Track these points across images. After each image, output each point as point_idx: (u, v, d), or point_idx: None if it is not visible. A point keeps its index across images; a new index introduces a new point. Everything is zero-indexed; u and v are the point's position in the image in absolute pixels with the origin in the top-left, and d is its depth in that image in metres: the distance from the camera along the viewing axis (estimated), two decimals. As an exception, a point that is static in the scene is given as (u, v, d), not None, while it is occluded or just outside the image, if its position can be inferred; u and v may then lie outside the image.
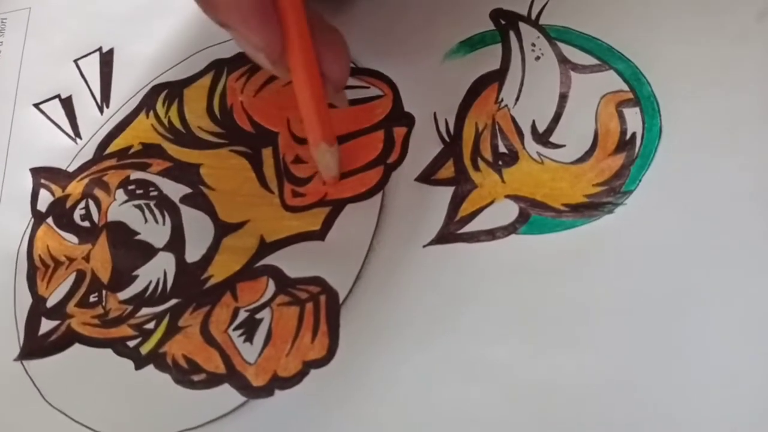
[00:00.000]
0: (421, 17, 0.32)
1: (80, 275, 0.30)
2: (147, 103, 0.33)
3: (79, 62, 0.34)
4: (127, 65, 0.34)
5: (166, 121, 0.32)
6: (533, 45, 0.30)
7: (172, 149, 0.32)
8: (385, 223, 0.29)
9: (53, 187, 0.32)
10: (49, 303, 0.30)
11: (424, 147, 0.30)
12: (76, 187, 0.32)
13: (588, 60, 0.29)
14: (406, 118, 0.30)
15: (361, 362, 0.27)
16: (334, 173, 0.30)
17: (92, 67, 0.34)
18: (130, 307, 0.29)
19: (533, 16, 0.30)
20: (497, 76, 0.30)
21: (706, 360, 0.25)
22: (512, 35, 0.30)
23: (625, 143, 0.28)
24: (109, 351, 0.29)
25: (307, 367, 0.27)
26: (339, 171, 0.30)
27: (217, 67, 0.33)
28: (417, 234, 0.28)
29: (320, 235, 0.29)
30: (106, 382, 0.28)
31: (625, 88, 0.28)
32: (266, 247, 0.29)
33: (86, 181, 0.32)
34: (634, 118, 0.28)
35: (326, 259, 0.29)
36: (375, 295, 0.28)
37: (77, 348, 0.29)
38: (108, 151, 0.32)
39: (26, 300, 0.30)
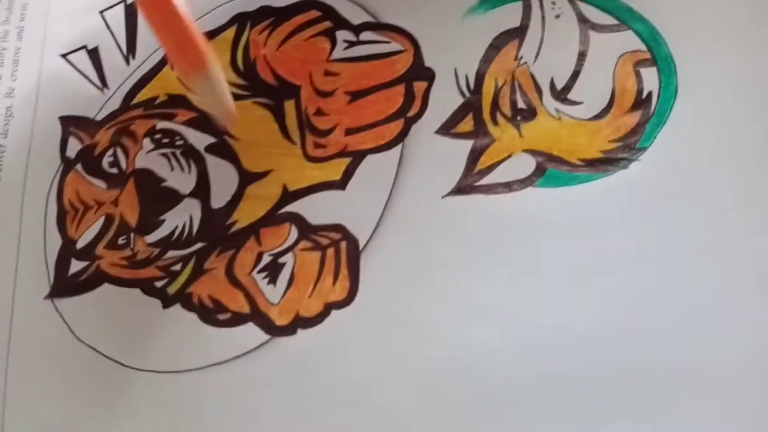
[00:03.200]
0: (444, -27, 0.34)
1: (109, 219, 0.33)
2: (173, 54, 0.35)
3: (105, 13, 0.36)
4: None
5: (192, 72, 0.35)
6: (553, 3, 0.32)
7: (196, 100, 0.34)
8: (404, 174, 0.31)
9: (82, 135, 0.34)
10: (79, 245, 0.32)
11: (444, 101, 0.32)
12: (104, 136, 0.34)
13: (607, 20, 0.31)
14: (427, 73, 0.33)
15: (381, 304, 0.29)
16: (231, 104, 0.30)
17: (118, 18, 0.36)
18: (157, 250, 0.32)
19: (554, -25, 0.33)
20: (517, 33, 0.32)
21: (717, 310, 0.27)
22: (533, -7, 0.33)
23: (641, 102, 0.30)
24: (137, 291, 0.31)
25: (329, 308, 0.29)
26: (229, 103, 0.30)
27: (241, 20, 0.35)
28: (436, 185, 0.31)
29: (341, 184, 0.32)
30: (134, 319, 0.31)
31: (643, 48, 0.31)
32: (289, 196, 0.32)
33: (114, 129, 0.34)
34: (650, 78, 0.30)
35: (347, 207, 0.31)
36: (394, 241, 0.30)
37: (106, 287, 0.31)
38: (134, 101, 0.34)
39: (56, 242, 0.32)
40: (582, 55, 0.31)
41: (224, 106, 0.31)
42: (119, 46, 0.36)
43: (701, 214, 0.28)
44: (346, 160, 0.32)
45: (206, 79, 0.29)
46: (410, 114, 0.32)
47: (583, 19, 0.32)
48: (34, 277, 0.32)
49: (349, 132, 0.32)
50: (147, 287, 0.31)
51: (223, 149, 0.33)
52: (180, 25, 0.28)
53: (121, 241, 0.32)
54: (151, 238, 0.32)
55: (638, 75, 0.31)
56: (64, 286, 0.32)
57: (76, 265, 0.32)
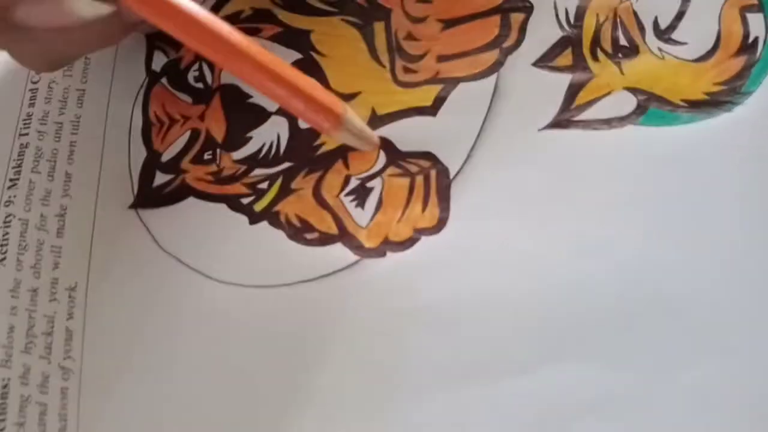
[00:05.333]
0: None
1: (195, 133, 0.33)
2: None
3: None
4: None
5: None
6: (660, -59, 0.32)
7: (282, 14, 0.34)
8: (498, 105, 0.31)
9: (167, 48, 0.34)
10: (164, 158, 0.33)
11: (542, 34, 0.32)
12: (189, 50, 0.34)
13: (717, -40, 0.32)
14: (524, 4, 0.33)
15: (471, 233, 0.29)
16: (374, 139, 0.31)
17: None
18: (243, 167, 0.32)
19: None
20: (622, -32, 0.32)
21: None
22: (639, -71, 0.33)
23: (747, 46, 0.30)
24: (223, 206, 0.32)
25: (418, 234, 0.30)
26: (372, 140, 0.31)
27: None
28: (531, 118, 0.31)
29: (432, 111, 0.32)
30: (220, 233, 0.31)
31: (751, -8, 0.31)
32: (378, 119, 0.32)
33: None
34: (757, 23, 0.30)
35: (438, 135, 0.31)
36: (486, 172, 0.30)
37: (191, 201, 0.32)
38: (220, 15, 0.35)
39: (141, 153, 0.33)
40: (688, -5, 0.31)
41: (367, 145, 0.31)
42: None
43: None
44: (438, 87, 0.32)
45: (345, 131, 0.30)
46: (506, 45, 0.32)
47: (691, -42, 0.32)
48: (117, 187, 0.32)
49: (441, 59, 0.32)
50: (233, 203, 0.32)
51: (310, 66, 0.33)
52: (305, 90, 0.28)
53: (207, 156, 0.32)
54: (238, 154, 0.32)
55: (744, 19, 0.31)
56: (148, 197, 0.32)
57: (161, 178, 0.33)
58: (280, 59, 0.28)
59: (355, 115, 0.29)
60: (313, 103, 0.28)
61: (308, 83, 0.28)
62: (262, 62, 0.26)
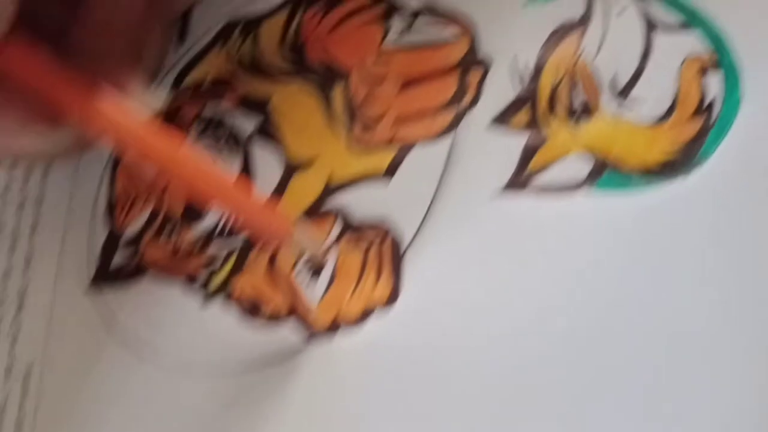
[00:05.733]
0: (506, -43, 0.33)
1: (156, 208, 0.33)
2: (221, 38, 0.35)
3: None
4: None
5: (239, 55, 0.35)
6: (618, -3, 0.32)
7: (242, 83, 0.34)
8: (453, 167, 0.31)
9: None
10: (125, 235, 0.33)
11: (499, 92, 0.32)
12: (154, 123, 0.35)
13: (673, 19, 0.31)
14: (483, 62, 0.32)
15: (423, 308, 0.30)
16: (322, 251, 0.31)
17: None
18: (200, 243, 0.32)
19: (621, -34, 0.32)
20: (579, 26, 0.31)
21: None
22: (597, -16, 0.32)
23: (703, 109, 0.30)
24: (178, 285, 0.32)
25: (370, 310, 0.30)
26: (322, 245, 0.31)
27: (294, 2, 0.35)
28: (485, 182, 0.31)
29: (386, 177, 0.32)
30: (173, 315, 0.32)
31: (709, 52, 0.30)
32: (333, 188, 0.32)
33: (162, 116, 0.34)
34: (714, 85, 0.30)
35: (392, 201, 0.31)
36: (439, 241, 0.30)
37: (148, 280, 0.32)
38: (183, 85, 0.35)
39: (103, 230, 0.34)
40: (645, 55, 0.31)
41: (313, 252, 0.31)
42: (174, 30, 0.36)
43: (761, 230, 0.28)
44: (393, 151, 0.32)
45: (294, 245, 0.30)
46: (462, 104, 0.32)
47: (648, 16, 0.31)
48: (77, 264, 0.33)
49: (397, 121, 0.32)
50: (188, 282, 0.32)
51: (269, 134, 0.33)
52: (253, 208, 0.29)
53: (165, 232, 0.33)
54: (195, 230, 0.33)
55: (702, 81, 0.30)
56: (106, 276, 0.33)
57: (120, 256, 0.33)
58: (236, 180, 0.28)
59: (303, 230, 0.30)
60: (261, 224, 0.29)
61: (258, 203, 0.29)
62: (221, 186, 0.27)
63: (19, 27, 0.27)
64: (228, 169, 0.32)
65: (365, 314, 0.30)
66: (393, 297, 0.30)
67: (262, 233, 0.30)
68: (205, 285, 0.32)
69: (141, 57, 0.32)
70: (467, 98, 0.32)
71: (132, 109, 0.28)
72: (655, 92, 0.30)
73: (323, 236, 0.31)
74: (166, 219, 0.33)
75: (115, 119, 0.28)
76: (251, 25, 0.35)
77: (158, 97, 0.31)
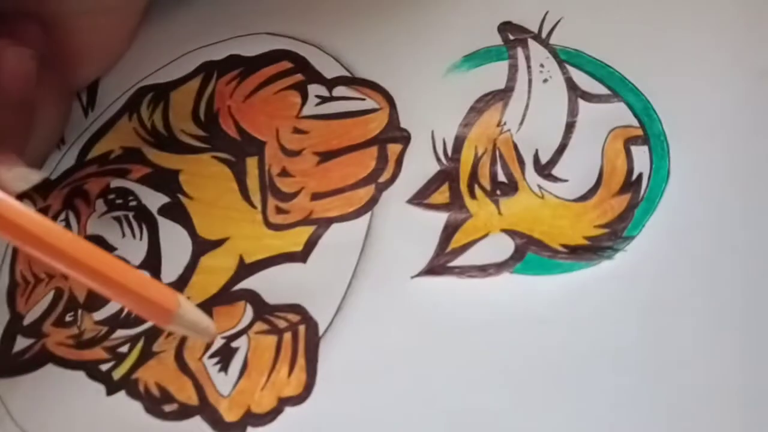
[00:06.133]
0: (425, 27, 0.32)
1: (58, 293, 0.32)
2: (131, 106, 0.34)
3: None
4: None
5: (149, 124, 0.33)
6: (542, 66, 0.30)
7: (152, 154, 0.33)
8: (372, 248, 0.30)
9: (35, 197, 0.33)
10: (26, 320, 0.32)
11: (419, 167, 0.30)
12: (57, 197, 0.33)
13: (598, 89, 0.30)
14: (402, 135, 0.31)
15: (338, 403, 0.28)
16: (212, 331, 0.28)
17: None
18: (105, 329, 0.31)
19: (544, 34, 0.31)
20: (501, 96, 0.30)
21: (701, 422, 0.26)
22: (520, 53, 0.31)
23: (630, 184, 0.28)
24: (81, 373, 0.30)
25: (282, 404, 0.28)
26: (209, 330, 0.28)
27: (207, 69, 0.34)
28: (405, 263, 0.29)
29: (302, 257, 0.30)
30: (76, 405, 0.30)
31: (635, 123, 0.29)
32: (245, 269, 0.30)
33: (67, 190, 0.33)
34: (642, 157, 0.29)
35: (307, 284, 0.30)
36: (357, 328, 0.29)
37: (50, 368, 0.31)
38: (89, 156, 0.34)
39: (3, 316, 0.32)
40: (570, 126, 0.30)
41: (205, 337, 0.29)
42: (79, 98, 0.35)
43: (690, 315, 0.27)
44: (310, 229, 0.31)
45: (177, 326, 0.27)
46: (382, 180, 0.31)
47: (572, 86, 0.30)
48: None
49: (315, 197, 0.31)
50: (92, 370, 0.30)
51: (177, 210, 0.32)
52: (134, 284, 0.26)
53: (68, 318, 0.31)
54: (99, 315, 0.31)
55: (629, 153, 0.29)
56: (6, 365, 0.31)
57: (21, 342, 0.32)
58: (109, 255, 0.26)
59: (190, 308, 0.27)
60: (142, 301, 0.26)
61: (136, 279, 0.26)
62: (86, 262, 0.25)
63: None
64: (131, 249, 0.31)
65: (276, 411, 0.28)
66: (306, 392, 0.28)
67: (143, 312, 0.28)
68: (110, 374, 0.30)
69: (29, 128, 0.30)
70: (387, 173, 0.31)
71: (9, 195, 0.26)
72: (580, 167, 0.29)
73: (208, 317, 0.28)
74: (69, 302, 0.31)
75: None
76: (162, 93, 0.34)
77: (35, 174, 0.29)
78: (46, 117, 0.32)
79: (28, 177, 0.28)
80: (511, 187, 0.30)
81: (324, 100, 0.32)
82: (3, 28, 0.31)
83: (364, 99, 0.32)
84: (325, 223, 0.31)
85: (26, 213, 0.25)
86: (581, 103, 0.30)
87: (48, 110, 0.32)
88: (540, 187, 0.29)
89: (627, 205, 0.28)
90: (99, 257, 0.25)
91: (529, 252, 0.29)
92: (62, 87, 0.33)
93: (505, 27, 0.31)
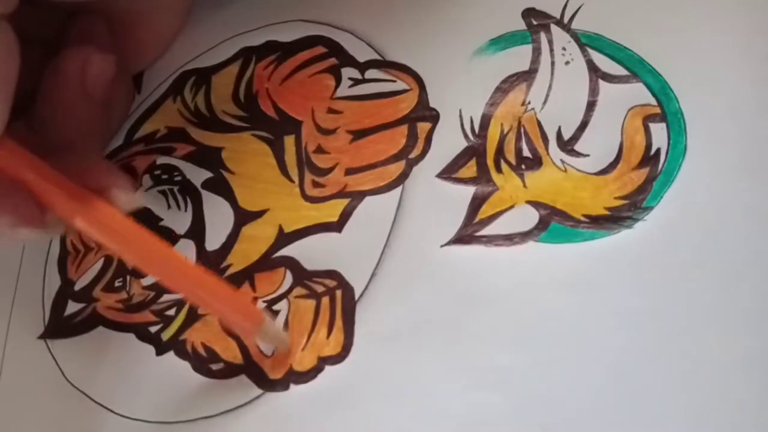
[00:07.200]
0: (453, 12, 0.34)
1: (108, 260, 0.33)
2: (175, 89, 0.36)
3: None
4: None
5: (192, 106, 0.35)
6: (564, 49, 0.32)
7: (195, 133, 0.35)
8: (403, 219, 0.31)
9: None
10: (77, 286, 0.33)
11: (447, 144, 0.32)
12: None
13: (618, 70, 0.31)
14: (431, 114, 0.33)
15: (374, 362, 0.30)
16: (288, 341, 0.31)
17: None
18: (152, 293, 0.32)
19: (566, 20, 0.33)
20: (525, 77, 0.32)
21: (716, 379, 0.27)
22: (543, 37, 0.33)
23: (649, 158, 0.30)
24: (131, 335, 0.32)
25: (322, 363, 0.30)
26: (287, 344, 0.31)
27: (246, 54, 0.35)
28: (435, 233, 0.31)
29: (338, 227, 0.32)
30: (126, 365, 0.32)
31: (653, 102, 0.31)
32: (284, 237, 0.32)
33: (117, 166, 0.35)
34: (659, 134, 0.30)
35: (343, 252, 0.31)
36: (390, 293, 0.30)
37: (101, 331, 0.33)
38: (136, 136, 0.35)
39: (55, 282, 0.34)
40: (591, 105, 0.31)
41: (281, 346, 0.31)
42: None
43: (706, 279, 0.28)
44: (344, 201, 0.32)
45: (263, 334, 0.30)
46: (412, 156, 0.32)
47: (593, 68, 0.32)
48: (29, 315, 0.33)
49: (349, 172, 0.33)
50: (141, 332, 0.32)
51: (220, 185, 0.34)
52: (225, 297, 0.30)
53: (117, 283, 0.33)
54: (147, 280, 0.33)
55: (647, 130, 0.31)
56: (58, 327, 0.33)
57: (72, 307, 0.33)
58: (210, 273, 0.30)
59: (271, 323, 0.30)
60: (235, 313, 0.30)
61: (232, 295, 0.30)
62: (196, 278, 0.29)
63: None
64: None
65: (317, 369, 0.30)
66: (344, 352, 0.30)
67: (232, 325, 0.31)
68: (159, 335, 0.32)
69: (110, 123, 0.33)
70: (417, 150, 0.32)
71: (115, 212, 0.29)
72: (600, 143, 0.31)
73: (288, 333, 0.31)
74: (118, 269, 0.33)
75: (103, 224, 0.29)
76: (204, 77, 0.36)
77: (139, 197, 0.32)
78: (118, 107, 0.35)
79: (139, 200, 0.32)
80: (535, 162, 0.31)
81: (357, 82, 0.34)
82: (75, 29, 0.33)
83: (395, 81, 0.34)
84: (358, 196, 0.32)
85: (143, 233, 0.29)
86: (602, 83, 0.32)
87: (119, 101, 0.35)
88: (563, 162, 0.31)
89: (646, 177, 0.30)
90: (208, 283, 0.29)
91: (553, 222, 0.30)
92: (126, 77, 0.35)
93: (529, 13, 0.33)
